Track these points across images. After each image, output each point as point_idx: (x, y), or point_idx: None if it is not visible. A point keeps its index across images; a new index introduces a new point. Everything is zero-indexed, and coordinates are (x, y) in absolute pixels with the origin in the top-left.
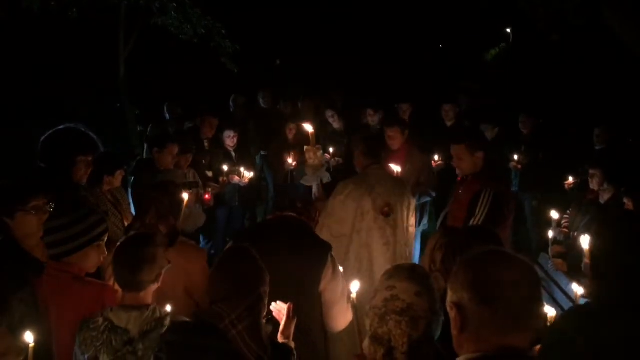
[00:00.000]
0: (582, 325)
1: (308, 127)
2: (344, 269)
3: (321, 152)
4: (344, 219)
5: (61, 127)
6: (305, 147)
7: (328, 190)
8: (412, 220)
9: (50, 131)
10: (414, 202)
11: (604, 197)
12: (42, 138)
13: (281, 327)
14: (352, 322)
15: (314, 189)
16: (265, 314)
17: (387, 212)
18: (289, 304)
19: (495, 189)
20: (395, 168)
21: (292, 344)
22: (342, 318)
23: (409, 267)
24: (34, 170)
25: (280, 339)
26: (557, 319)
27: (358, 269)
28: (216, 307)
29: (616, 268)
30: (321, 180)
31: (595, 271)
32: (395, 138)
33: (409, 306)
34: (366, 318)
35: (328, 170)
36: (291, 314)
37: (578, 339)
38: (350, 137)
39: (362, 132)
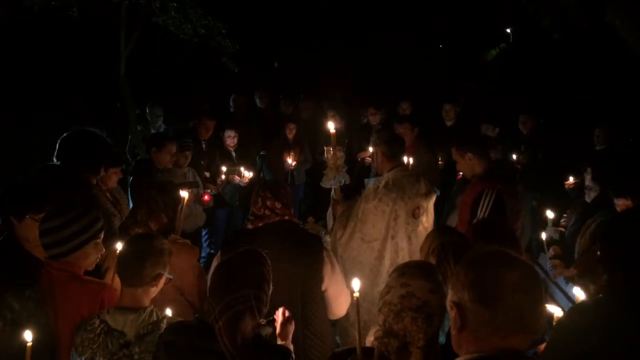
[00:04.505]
0: (595, 319)
1: (330, 126)
2: (376, 274)
3: (342, 153)
4: (378, 223)
5: (84, 129)
6: (325, 148)
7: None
8: (432, 219)
9: (72, 131)
10: (434, 199)
11: (590, 196)
12: (64, 136)
13: (277, 330)
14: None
15: (332, 192)
16: (264, 316)
17: (418, 214)
18: (282, 308)
19: (498, 188)
20: (407, 159)
21: (291, 347)
22: (347, 303)
23: (419, 264)
24: (46, 168)
25: (279, 341)
26: (568, 312)
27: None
28: (206, 302)
29: (627, 262)
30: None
31: (606, 266)
32: (405, 135)
33: (424, 303)
34: (379, 313)
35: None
36: (285, 317)
37: (591, 332)
38: (351, 137)
39: (381, 133)
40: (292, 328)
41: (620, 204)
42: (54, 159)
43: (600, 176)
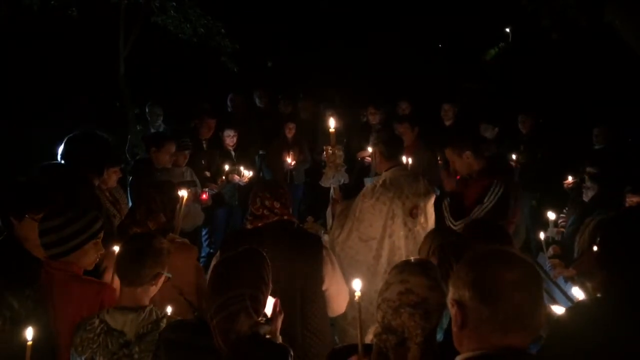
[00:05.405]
0: (594, 318)
1: (330, 124)
2: (374, 273)
3: (341, 152)
4: (375, 222)
5: (89, 130)
6: (324, 147)
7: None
8: (432, 218)
9: (78, 132)
10: (433, 199)
11: (588, 195)
12: (69, 137)
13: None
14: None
15: (331, 191)
16: (262, 315)
17: (416, 214)
18: (276, 299)
19: (505, 182)
20: (406, 159)
21: (279, 338)
22: (346, 300)
23: (418, 261)
24: (47, 167)
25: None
26: (566, 311)
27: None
28: (204, 301)
29: (627, 262)
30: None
31: (606, 265)
32: (405, 134)
33: (422, 300)
34: (377, 309)
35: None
36: (277, 309)
37: (590, 332)
38: (349, 137)
39: (380, 132)
40: (280, 323)
41: (635, 200)
42: (59, 159)
43: (599, 175)
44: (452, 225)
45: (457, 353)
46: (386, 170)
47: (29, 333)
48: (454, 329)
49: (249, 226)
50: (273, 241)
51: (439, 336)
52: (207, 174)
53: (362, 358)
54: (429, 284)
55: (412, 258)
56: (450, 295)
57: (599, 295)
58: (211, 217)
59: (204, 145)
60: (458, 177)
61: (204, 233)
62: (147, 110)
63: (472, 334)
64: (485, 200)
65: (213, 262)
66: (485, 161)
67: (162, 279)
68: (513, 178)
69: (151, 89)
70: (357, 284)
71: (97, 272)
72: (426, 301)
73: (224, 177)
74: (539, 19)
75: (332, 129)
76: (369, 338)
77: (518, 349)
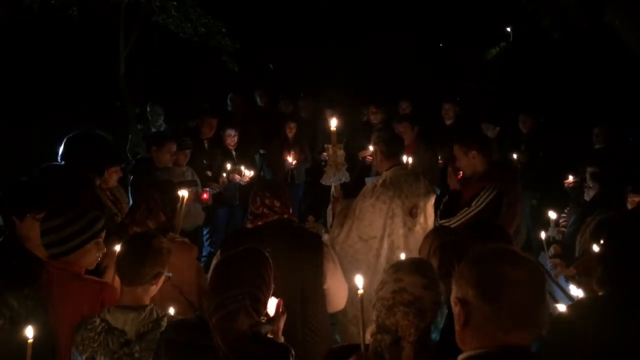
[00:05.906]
0: (593, 317)
1: (333, 122)
2: (374, 272)
3: (342, 151)
4: (375, 221)
5: (89, 130)
6: (325, 146)
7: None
8: (432, 218)
9: (77, 132)
10: (434, 198)
11: (589, 194)
12: (69, 137)
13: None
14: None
15: (332, 189)
16: (263, 315)
17: (415, 214)
18: (279, 299)
19: (499, 188)
20: (406, 159)
21: (282, 339)
22: (346, 296)
23: (414, 260)
24: (49, 168)
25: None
26: (567, 309)
27: None
28: (205, 300)
29: (628, 262)
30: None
31: (607, 265)
32: (405, 134)
33: (416, 298)
34: (373, 309)
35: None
36: (280, 310)
37: (590, 330)
38: (349, 136)
39: (381, 132)
40: (282, 323)
41: (637, 200)
42: (59, 159)
43: (600, 175)
44: (437, 222)
45: (455, 352)
46: (387, 170)
47: (30, 331)
48: (457, 327)
49: (249, 225)
50: (273, 240)
51: (435, 336)
52: (209, 173)
53: (364, 357)
54: (423, 282)
55: (408, 257)
56: (454, 293)
57: (600, 294)
58: (212, 217)
59: (206, 145)
60: (459, 176)
61: (205, 232)
62: (148, 109)
63: (475, 333)
64: (473, 204)
65: (214, 262)
66: (489, 164)
67: (162, 279)
68: (515, 184)
69: (151, 89)
70: (360, 281)
71: (97, 271)
72: (420, 300)
73: (225, 177)
74: (539, 19)
75: (333, 128)
76: (366, 338)
77: (520, 347)
